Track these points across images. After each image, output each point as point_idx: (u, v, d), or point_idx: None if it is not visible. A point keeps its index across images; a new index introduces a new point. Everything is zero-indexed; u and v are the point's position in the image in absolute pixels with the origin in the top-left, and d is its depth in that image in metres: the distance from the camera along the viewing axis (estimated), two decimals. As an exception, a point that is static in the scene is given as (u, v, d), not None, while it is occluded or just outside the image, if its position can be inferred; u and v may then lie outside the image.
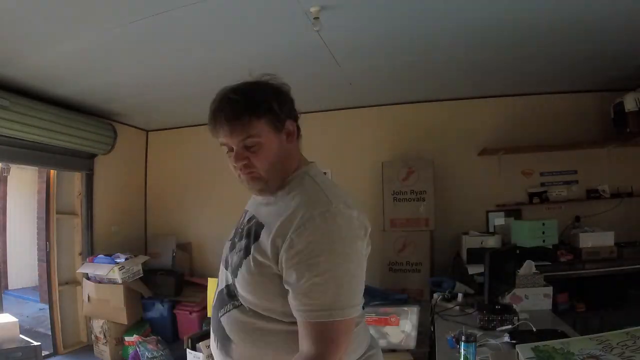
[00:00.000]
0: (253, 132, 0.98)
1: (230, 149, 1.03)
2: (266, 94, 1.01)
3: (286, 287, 0.93)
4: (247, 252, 0.99)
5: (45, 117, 3.41)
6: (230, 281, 1.03)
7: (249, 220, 1.07)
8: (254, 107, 0.98)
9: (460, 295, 2.65)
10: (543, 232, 3.27)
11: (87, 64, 2.90)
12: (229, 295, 1.03)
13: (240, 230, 1.08)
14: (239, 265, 0.99)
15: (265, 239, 0.95)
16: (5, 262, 6.41)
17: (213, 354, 1.09)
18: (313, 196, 0.98)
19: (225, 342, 1.02)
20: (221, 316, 1.03)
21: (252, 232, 1.01)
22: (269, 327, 0.97)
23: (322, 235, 0.91)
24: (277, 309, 0.96)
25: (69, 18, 2.22)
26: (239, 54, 2.83)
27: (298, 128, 1.12)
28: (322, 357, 0.87)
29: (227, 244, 1.10)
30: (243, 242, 1.02)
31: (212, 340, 1.07)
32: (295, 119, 1.10)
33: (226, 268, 1.06)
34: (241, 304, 1.00)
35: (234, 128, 0.99)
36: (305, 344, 0.90)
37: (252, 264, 0.96)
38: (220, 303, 1.06)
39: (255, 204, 1.10)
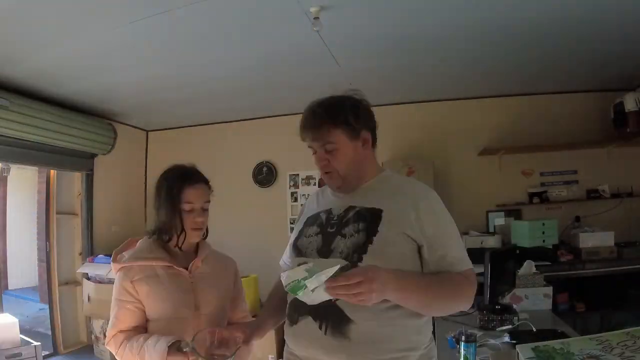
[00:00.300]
0: (331, 139, 1.20)
1: (314, 152, 1.26)
2: (344, 108, 1.21)
3: (426, 248, 1.15)
4: (371, 232, 1.13)
5: (45, 117, 3.41)
6: (344, 263, 1.06)
7: (346, 210, 1.22)
8: (332, 118, 1.20)
9: (460, 295, 2.65)
10: (543, 232, 3.27)
11: (87, 64, 2.90)
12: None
13: (335, 221, 1.22)
14: (363, 246, 1.12)
15: (397, 217, 1.15)
16: (5, 262, 6.41)
17: (307, 342, 1.15)
18: (416, 182, 1.34)
19: (341, 324, 1.09)
20: (336, 300, 1.06)
21: (367, 217, 1.17)
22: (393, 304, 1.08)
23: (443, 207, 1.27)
24: None
25: (69, 18, 2.22)
26: (239, 54, 2.83)
27: (374, 137, 1.32)
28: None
29: (315, 237, 1.23)
30: (355, 226, 1.16)
31: (315, 328, 1.12)
32: (371, 129, 1.30)
33: (329, 256, 1.15)
34: None
35: (315, 135, 1.22)
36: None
37: (386, 239, 1.12)
38: None
39: (337, 200, 1.28)
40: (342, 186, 1.25)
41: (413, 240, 1.14)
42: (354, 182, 1.25)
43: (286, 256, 1.39)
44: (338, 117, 1.20)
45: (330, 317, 1.10)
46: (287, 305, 1.23)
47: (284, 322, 1.25)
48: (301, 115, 1.27)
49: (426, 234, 1.14)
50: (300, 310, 1.16)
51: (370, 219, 1.16)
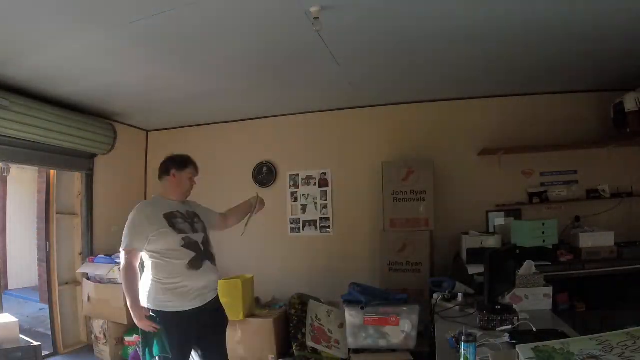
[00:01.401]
0: None
1: (191, 179, 2.40)
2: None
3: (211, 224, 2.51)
4: (204, 224, 2.37)
5: (45, 117, 3.42)
6: (204, 235, 2.31)
7: (188, 213, 2.32)
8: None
9: (460, 295, 2.65)
10: (543, 232, 3.27)
11: (87, 64, 2.90)
12: (207, 240, 2.33)
13: (187, 216, 2.30)
14: (205, 228, 2.36)
15: (204, 217, 2.43)
16: (5, 262, 6.41)
17: (208, 273, 2.23)
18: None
19: (215, 259, 2.33)
20: (211, 248, 2.33)
21: (197, 216, 2.37)
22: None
23: None
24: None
25: (69, 18, 2.22)
26: (239, 54, 2.83)
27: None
28: None
29: (186, 224, 2.25)
30: (197, 219, 2.35)
31: (209, 267, 2.25)
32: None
33: (196, 232, 2.26)
34: (210, 241, 2.36)
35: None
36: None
37: (207, 226, 2.40)
38: (207, 243, 2.30)
39: (173, 206, 2.30)
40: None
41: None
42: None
43: (138, 242, 2.13)
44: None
45: (212, 258, 2.30)
46: (190, 260, 2.14)
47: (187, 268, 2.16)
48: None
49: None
50: (201, 258, 2.20)
51: (198, 218, 2.36)
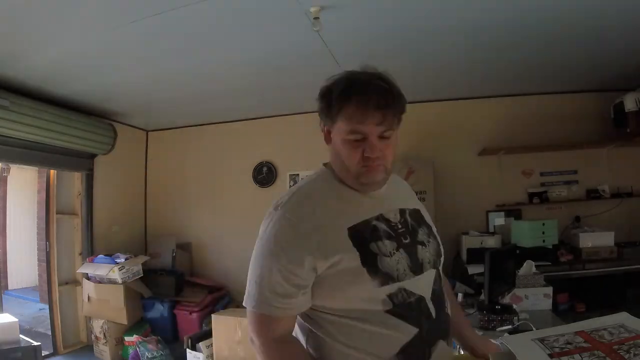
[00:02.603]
0: (395, 126, 1.01)
1: (361, 138, 0.97)
2: (404, 98, 1.04)
3: None
4: (435, 235, 1.10)
5: (45, 117, 3.41)
6: (435, 273, 1.03)
7: (402, 213, 1.06)
8: (404, 103, 1.02)
9: (460, 295, 2.65)
10: (543, 232, 3.27)
11: (87, 64, 2.90)
12: (439, 281, 1.05)
13: (401, 229, 1.02)
14: (439, 250, 1.08)
15: (427, 215, 1.15)
16: (5, 262, 6.41)
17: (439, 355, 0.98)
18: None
19: (448, 336, 1.04)
20: (446, 304, 1.05)
21: (421, 219, 1.10)
22: None
23: None
24: None
25: (70, 18, 2.22)
26: (239, 54, 2.83)
27: None
28: None
29: (398, 254, 0.97)
30: (424, 231, 1.07)
31: (447, 347, 1.02)
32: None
33: (422, 271, 0.99)
34: (442, 282, 1.08)
35: (384, 118, 0.96)
36: None
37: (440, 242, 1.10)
38: (440, 300, 1.02)
39: (371, 202, 1.02)
40: (381, 182, 1.02)
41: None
42: (389, 176, 1.05)
43: (292, 294, 0.93)
44: (404, 106, 1.04)
45: (445, 331, 1.02)
46: (403, 347, 0.92)
47: None
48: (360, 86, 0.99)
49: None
50: (430, 342, 0.97)
51: (423, 221, 1.10)
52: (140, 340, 3.57)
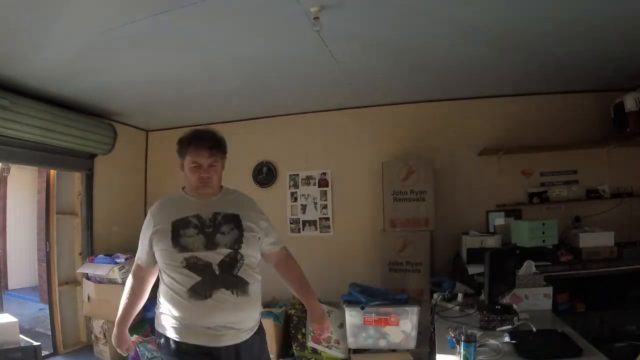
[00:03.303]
0: (219, 160, 1.75)
1: (198, 166, 1.71)
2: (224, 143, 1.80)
3: (268, 240, 1.85)
4: (239, 231, 1.70)
5: (45, 117, 3.41)
6: (228, 251, 1.65)
7: (215, 215, 1.70)
8: (224, 146, 1.79)
9: (460, 295, 2.66)
10: (543, 232, 3.27)
11: (87, 64, 2.90)
12: (234, 259, 1.66)
13: (209, 223, 1.68)
14: (238, 239, 1.68)
15: (248, 220, 1.75)
16: (5, 262, 6.41)
17: (225, 306, 1.61)
18: (245, 195, 1.89)
19: (244, 286, 1.66)
20: (237, 272, 1.66)
21: (231, 219, 1.71)
22: (256, 267, 1.75)
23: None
24: (258, 257, 1.79)
25: (69, 18, 2.22)
26: (239, 54, 2.83)
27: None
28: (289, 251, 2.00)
29: (197, 238, 1.64)
30: (228, 226, 1.69)
31: (228, 295, 1.62)
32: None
33: (216, 247, 1.64)
34: (244, 261, 1.68)
35: (211, 155, 1.71)
36: (283, 251, 1.95)
37: (249, 235, 1.71)
38: (229, 266, 1.65)
39: (192, 207, 1.71)
40: (211, 193, 1.74)
41: (257, 233, 1.76)
42: (215, 193, 1.77)
43: (144, 254, 1.76)
44: (225, 148, 1.78)
45: (238, 285, 1.65)
46: (191, 286, 1.60)
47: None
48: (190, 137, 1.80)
49: (262, 228, 1.79)
50: (212, 284, 1.61)
51: (233, 221, 1.70)
52: (140, 340, 3.57)
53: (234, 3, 2.14)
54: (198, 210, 1.68)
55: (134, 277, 1.81)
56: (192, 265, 1.60)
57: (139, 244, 1.77)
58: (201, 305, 1.59)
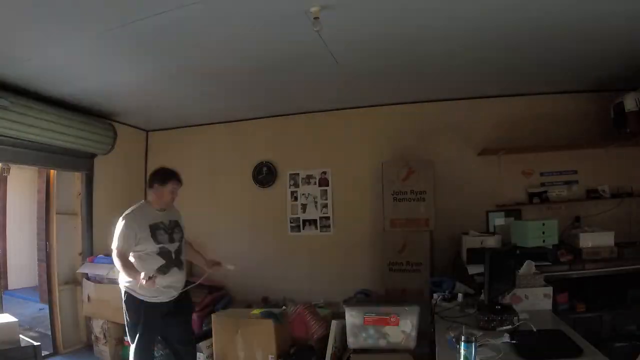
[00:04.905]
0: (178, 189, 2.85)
1: (173, 192, 2.77)
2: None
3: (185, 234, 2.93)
4: (181, 230, 2.84)
5: (45, 117, 3.41)
6: (178, 244, 2.77)
7: (170, 221, 2.77)
8: (181, 181, 2.84)
9: (460, 295, 2.66)
10: (543, 232, 3.26)
11: (87, 64, 2.90)
12: (180, 249, 2.77)
13: (169, 226, 2.75)
14: (181, 236, 2.83)
15: (182, 223, 2.88)
16: (5, 262, 6.41)
17: (174, 278, 2.70)
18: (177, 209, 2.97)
19: (183, 264, 2.79)
20: (181, 257, 2.77)
21: (176, 224, 2.81)
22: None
23: None
24: None
25: (70, 18, 2.22)
26: (239, 54, 2.83)
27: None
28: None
29: (165, 236, 2.70)
30: (177, 228, 2.81)
31: (175, 272, 2.70)
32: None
33: (173, 242, 2.72)
34: (183, 249, 2.82)
35: (178, 186, 2.79)
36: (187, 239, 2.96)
37: (184, 232, 2.87)
38: (179, 252, 2.76)
39: (158, 216, 2.72)
40: (168, 208, 2.80)
41: (184, 231, 2.89)
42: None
43: (129, 246, 2.59)
44: (181, 182, 2.82)
45: (182, 264, 2.76)
46: (160, 266, 2.61)
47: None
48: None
49: (184, 227, 2.90)
50: (169, 265, 2.66)
51: (176, 225, 2.81)
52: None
53: (234, 3, 2.14)
54: (162, 219, 2.72)
55: (125, 258, 2.57)
56: (162, 253, 2.64)
57: (123, 239, 2.57)
58: (164, 277, 2.61)
